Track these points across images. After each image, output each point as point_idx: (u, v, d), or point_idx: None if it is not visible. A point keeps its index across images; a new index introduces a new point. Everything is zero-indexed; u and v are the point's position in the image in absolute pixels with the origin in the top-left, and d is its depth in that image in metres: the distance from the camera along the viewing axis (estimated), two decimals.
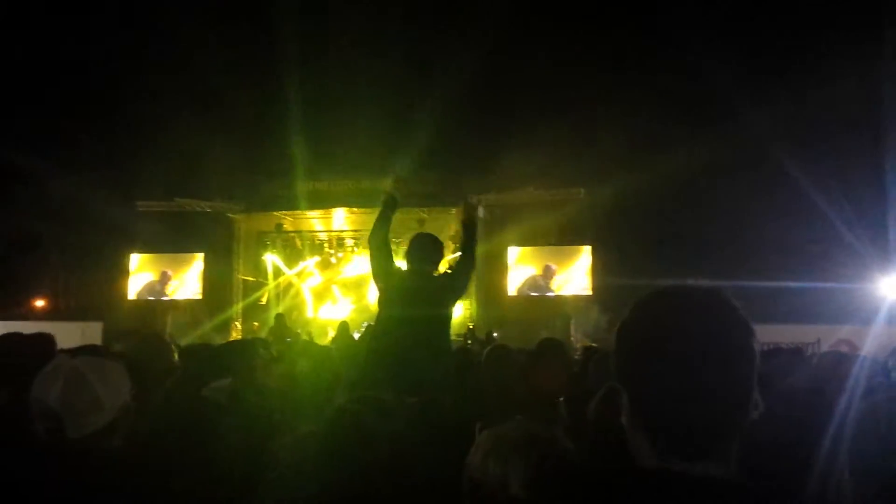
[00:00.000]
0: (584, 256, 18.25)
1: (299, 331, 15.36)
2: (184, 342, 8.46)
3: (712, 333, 1.21)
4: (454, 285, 4.41)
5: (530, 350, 5.22)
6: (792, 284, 16.65)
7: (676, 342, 1.20)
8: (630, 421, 1.27)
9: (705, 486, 1.17)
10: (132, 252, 19.39)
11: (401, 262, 4.43)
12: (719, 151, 17.70)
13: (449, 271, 4.83)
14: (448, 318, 4.36)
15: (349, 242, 19.65)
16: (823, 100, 17.19)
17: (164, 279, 19.04)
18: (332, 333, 13.39)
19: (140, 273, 19.26)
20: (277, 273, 19.81)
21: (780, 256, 18.21)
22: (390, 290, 4.31)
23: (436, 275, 4.48)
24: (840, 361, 3.57)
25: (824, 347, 12.79)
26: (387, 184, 4.84)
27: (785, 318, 14.92)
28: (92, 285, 23.41)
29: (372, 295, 19.32)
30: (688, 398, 1.18)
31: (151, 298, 18.79)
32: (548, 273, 18.16)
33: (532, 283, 18.22)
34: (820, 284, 16.72)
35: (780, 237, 18.66)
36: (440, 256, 4.42)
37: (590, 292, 18.08)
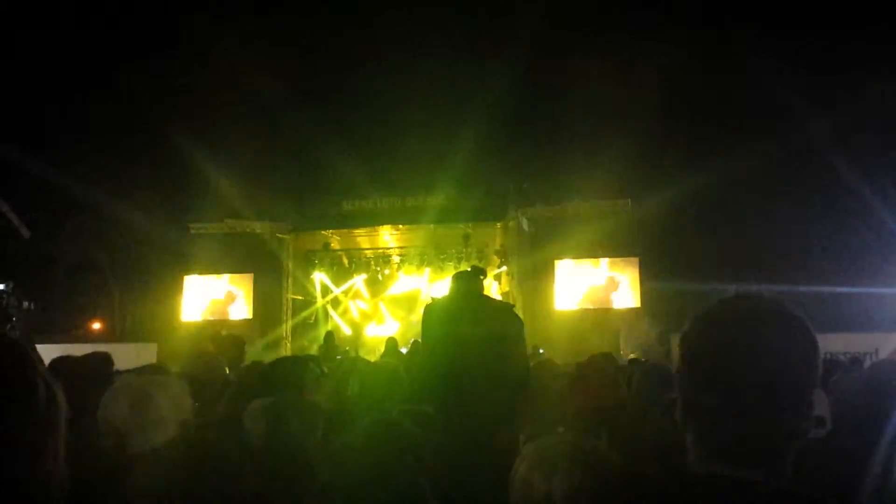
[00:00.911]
0: (632, 268, 18.02)
1: (348, 348, 15.49)
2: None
3: (775, 346, 1.21)
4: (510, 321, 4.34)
5: (578, 364, 5.20)
6: (848, 291, 16.25)
7: (740, 352, 1.21)
8: (683, 423, 1.28)
9: (756, 492, 1.17)
10: (185, 274, 19.81)
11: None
12: (771, 158, 17.41)
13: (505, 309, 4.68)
14: (504, 336, 4.22)
15: (395, 259, 19.76)
16: (878, 104, 16.80)
17: (229, 300, 19.43)
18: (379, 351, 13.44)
19: (193, 294, 19.64)
20: (326, 291, 20.02)
21: (835, 262, 17.79)
22: (435, 309, 4.37)
23: (486, 295, 4.50)
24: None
25: (883, 356, 12.45)
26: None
27: (842, 326, 14.54)
28: (147, 307, 23.97)
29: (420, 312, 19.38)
30: (745, 407, 1.19)
31: (210, 318, 19.12)
32: (611, 285, 17.93)
33: (593, 296, 18.02)
34: (877, 290, 16.29)
35: (835, 243, 18.25)
36: (480, 280, 4.45)
37: (638, 305, 17.84)
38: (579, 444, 1.80)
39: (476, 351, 3.94)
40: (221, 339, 5.83)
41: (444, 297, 4.45)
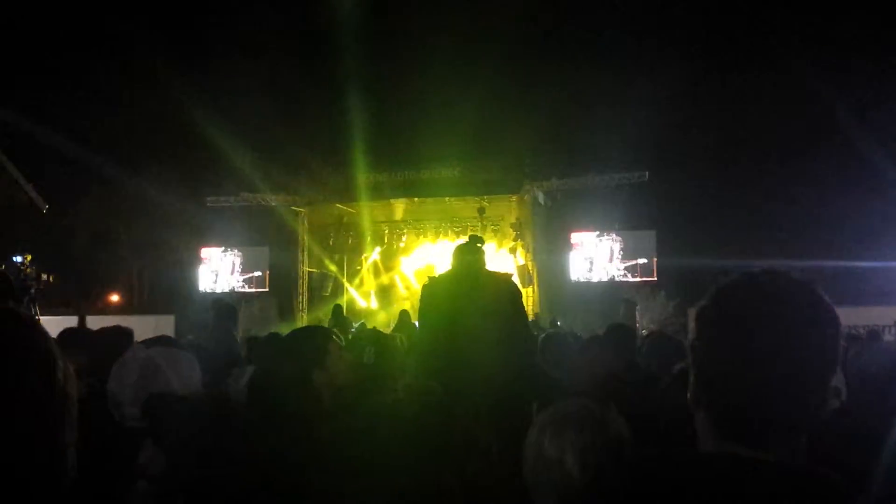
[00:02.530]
0: (648, 241, 17.91)
1: (363, 321, 15.55)
2: (253, 333, 8.69)
3: (798, 324, 1.19)
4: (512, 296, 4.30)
5: (592, 336, 5.19)
6: (866, 264, 16.11)
7: (761, 330, 1.18)
8: (695, 401, 1.27)
9: (771, 472, 1.16)
10: (203, 247, 19.92)
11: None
12: (790, 134, 17.20)
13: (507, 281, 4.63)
14: (505, 309, 4.14)
15: (411, 233, 19.78)
16: None
17: (236, 271, 19.54)
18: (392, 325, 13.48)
19: (210, 266, 19.76)
20: (341, 264, 20.08)
21: (853, 236, 17.62)
22: (432, 285, 4.37)
23: (489, 273, 4.44)
24: None
25: None
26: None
27: (860, 300, 14.43)
28: (164, 280, 24.21)
29: None
30: (762, 386, 1.17)
31: (224, 290, 19.26)
32: (627, 258, 17.85)
33: (610, 268, 17.96)
34: (894, 264, 16.13)
35: (854, 217, 18.04)
36: (479, 249, 4.38)
37: (655, 278, 17.78)
38: (590, 410, 1.80)
39: (475, 325, 3.93)
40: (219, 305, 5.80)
41: (442, 274, 4.43)
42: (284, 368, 2.95)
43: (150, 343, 2.89)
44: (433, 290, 4.32)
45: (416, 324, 11.33)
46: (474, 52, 20.31)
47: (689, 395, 1.27)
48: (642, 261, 17.78)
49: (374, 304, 20.25)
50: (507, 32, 18.93)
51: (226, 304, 5.55)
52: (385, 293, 20.37)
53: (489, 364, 3.70)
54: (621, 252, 17.90)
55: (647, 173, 17.66)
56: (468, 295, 4.06)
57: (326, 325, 13.99)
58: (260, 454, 2.16)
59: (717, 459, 1.21)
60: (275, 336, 4.84)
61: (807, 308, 1.21)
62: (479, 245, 4.36)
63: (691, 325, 1.29)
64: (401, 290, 20.16)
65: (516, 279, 4.56)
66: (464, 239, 4.95)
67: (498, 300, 4.10)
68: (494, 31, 19.89)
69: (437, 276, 4.41)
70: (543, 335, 4.92)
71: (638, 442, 1.80)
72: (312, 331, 3.74)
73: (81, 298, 23.37)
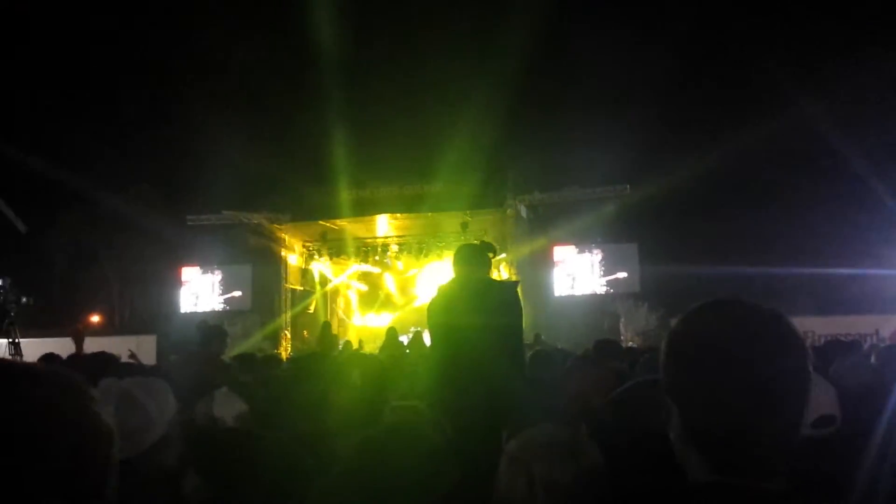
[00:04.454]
0: (630, 253, 18.00)
1: (349, 339, 15.47)
2: (236, 352, 8.60)
3: (770, 352, 1.19)
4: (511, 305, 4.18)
5: (583, 352, 5.17)
6: (848, 273, 16.25)
7: (735, 360, 1.18)
8: (680, 435, 1.25)
9: (757, 499, 1.15)
10: (184, 266, 19.76)
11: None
12: (769, 143, 17.37)
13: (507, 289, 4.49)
14: (507, 325, 4.00)
15: (394, 248, 19.72)
16: (876, 88, 16.74)
17: (216, 290, 19.39)
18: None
19: (191, 285, 19.61)
20: (324, 282, 19.99)
21: (835, 245, 17.78)
22: (441, 297, 4.20)
23: (493, 280, 4.30)
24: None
25: (884, 337, 12.46)
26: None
27: (842, 309, 14.54)
28: (145, 300, 24.01)
29: (419, 300, 19.39)
30: (743, 415, 1.17)
31: (204, 310, 19.09)
32: (610, 271, 17.90)
33: (593, 282, 18.01)
34: (877, 272, 16.28)
35: (835, 226, 18.22)
36: (487, 258, 4.25)
37: (638, 289, 17.84)
38: (559, 440, 1.77)
39: (475, 346, 3.82)
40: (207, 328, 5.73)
41: (447, 285, 4.25)
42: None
43: (121, 373, 2.84)
44: (440, 305, 4.16)
45: (404, 339, 11.28)
46: (457, 68, 20.40)
47: (670, 425, 1.27)
48: (622, 274, 17.86)
49: (357, 320, 20.16)
50: (489, 49, 19.05)
51: (212, 327, 5.48)
52: (370, 309, 20.29)
53: (489, 385, 3.64)
54: (602, 266, 17.97)
55: (628, 186, 17.76)
56: (474, 310, 3.94)
57: (316, 342, 13.90)
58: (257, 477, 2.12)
59: (709, 490, 1.20)
60: (273, 358, 4.82)
61: (778, 335, 1.21)
62: (489, 255, 4.23)
63: (663, 356, 1.27)
64: (385, 305, 20.09)
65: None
66: (471, 241, 4.81)
67: (503, 314, 3.99)
68: (477, 49, 20.00)
69: (444, 287, 4.19)
70: (531, 352, 4.89)
71: (628, 468, 1.78)
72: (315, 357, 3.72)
73: (62, 320, 23.09)
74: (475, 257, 4.16)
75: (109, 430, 1.04)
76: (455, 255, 4.21)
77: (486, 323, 3.86)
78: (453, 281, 4.15)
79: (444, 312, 4.05)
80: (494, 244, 4.46)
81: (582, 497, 1.66)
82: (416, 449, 1.85)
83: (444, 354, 3.99)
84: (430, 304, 4.19)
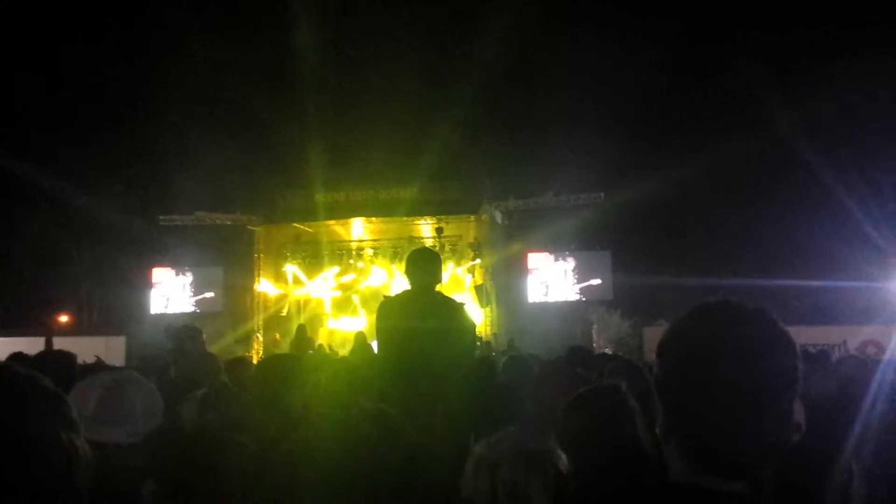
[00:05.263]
0: (603, 261, 18.10)
1: (321, 342, 15.38)
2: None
3: (759, 354, 1.19)
4: (462, 326, 4.27)
5: (556, 358, 5.18)
6: (816, 284, 16.47)
7: (723, 361, 1.18)
8: (664, 434, 1.26)
9: (717, 502, 1.15)
10: (155, 267, 19.53)
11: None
12: (741, 155, 17.57)
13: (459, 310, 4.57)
14: (457, 330, 4.13)
15: (368, 252, 19.65)
16: (848, 101, 17.01)
17: (188, 292, 19.19)
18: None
19: (162, 287, 19.38)
20: (298, 284, 19.86)
21: (803, 256, 18.03)
22: (390, 304, 4.32)
23: (442, 296, 4.40)
24: (860, 367, 3.49)
25: (851, 348, 12.63)
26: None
27: (809, 319, 14.72)
28: (115, 300, 23.68)
29: None
30: (730, 418, 1.17)
31: (175, 312, 18.88)
32: (583, 278, 17.96)
33: (566, 289, 18.06)
34: (845, 284, 16.52)
35: (804, 237, 18.48)
36: (439, 269, 4.33)
37: (611, 297, 17.95)
38: (525, 445, 1.77)
39: (427, 346, 3.91)
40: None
41: (398, 295, 4.37)
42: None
43: (110, 371, 2.81)
44: (388, 311, 4.28)
45: (373, 344, 11.24)
46: (434, 73, 20.42)
47: (658, 426, 1.27)
48: (596, 281, 17.95)
49: (331, 323, 20.04)
50: (466, 55, 19.08)
51: (181, 328, 5.41)
52: (342, 313, 20.17)
53: (441, 387, 3.68)
54: (575, 273, 18.04)
55: (602, 194, 17.88)
56: (422, 316, 4.04)
57: (287, 345, 13.80)
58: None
59: (686, 491, 1.20)
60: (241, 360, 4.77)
61: (765, 336, 1.21)
62: (435, 265, 4.31)
63: (648, 347, 1.28)
64: (359, 310, 19.99)
65: (470, 307, 4.53)
66: (420, 247, 4.92)
67: (450, 323, 4.08)
68: (454, 54, 20.03)
69: (392, 296, 4.34)
70: (505, 357, 4.90)
71: (602, 471, 1.78)
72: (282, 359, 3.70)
73: (31, 320, 22.72)
74: (424, 271, 4.24)
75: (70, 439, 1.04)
76: (408, 261, 4.29)
77: (435, 326, 3.95)
78: (404, 291, 4.25)
79: (394, 316, 4.15)
80: (437, 252, 4.58)
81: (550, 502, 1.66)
82: (396, 448, 1.85)
83: (394, 357, 4.05)
84: (380, 309, 4.28)
